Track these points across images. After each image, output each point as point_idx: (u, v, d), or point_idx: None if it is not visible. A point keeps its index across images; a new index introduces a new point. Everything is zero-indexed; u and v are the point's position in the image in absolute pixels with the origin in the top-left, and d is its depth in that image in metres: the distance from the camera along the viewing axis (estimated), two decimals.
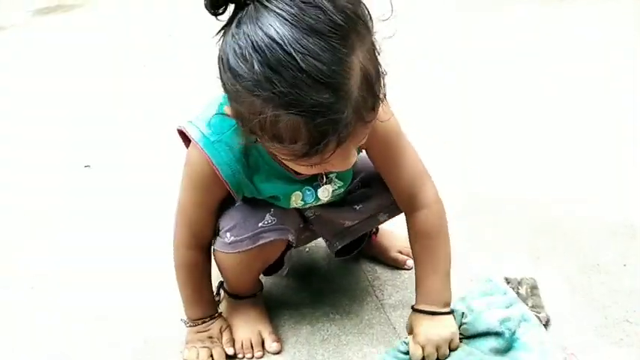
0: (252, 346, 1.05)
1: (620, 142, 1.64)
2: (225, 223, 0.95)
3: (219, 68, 0.70)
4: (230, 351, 1.05)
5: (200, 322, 1.05)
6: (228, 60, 0.67)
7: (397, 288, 1.18)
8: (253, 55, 0.64)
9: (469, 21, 2.60)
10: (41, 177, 1.66)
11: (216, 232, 0.98)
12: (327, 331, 1.10)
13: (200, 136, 0.87)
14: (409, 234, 1.03)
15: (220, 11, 0.69)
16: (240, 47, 0.66)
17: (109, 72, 2.31)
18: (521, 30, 2.48)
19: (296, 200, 0.97)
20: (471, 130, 1.78)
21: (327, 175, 0.96)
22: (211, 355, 1.04)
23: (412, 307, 1.01)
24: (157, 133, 1.81)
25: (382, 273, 1.22)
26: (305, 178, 0.95)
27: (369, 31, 0.69)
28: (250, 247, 0.95)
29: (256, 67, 0.64)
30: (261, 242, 0.95)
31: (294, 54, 0.63)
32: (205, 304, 1.06)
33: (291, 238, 1.00)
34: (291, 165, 0.81)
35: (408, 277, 1.20)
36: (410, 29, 2.28)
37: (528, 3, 2.71)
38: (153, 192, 1.49)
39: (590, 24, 2.46)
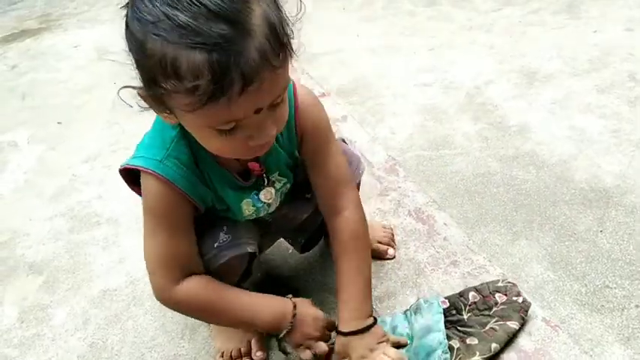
0: (241, 355, 1.06)
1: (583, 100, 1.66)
2: None
3: (126, 34, 0.70)
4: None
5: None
6: (137, 8, 0.68)
7: (381, 279, 1.19)
8: None
9: None
10: None
11: None
12: None
13: (146, 162, 0.84)
14: (330, 239, 1.01)
15: None
16: None
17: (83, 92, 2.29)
18: None
19: (247, 208, 0.95)
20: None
21: (268, 177, 0.95)
22: None
23: (339, 332, 0.96)
24: None
25: None
26: (251, 184, 0.93)
27: None
28: (208, 269, 0.93)
29: (158, 5, 0.66)
30: (219, 263, 0.93)
31: None
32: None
33: (250, 249, 0.97)
34: (207, 139, 0.77)
35: (390, 267, 1.21)
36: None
37: None
38: None
39: None
